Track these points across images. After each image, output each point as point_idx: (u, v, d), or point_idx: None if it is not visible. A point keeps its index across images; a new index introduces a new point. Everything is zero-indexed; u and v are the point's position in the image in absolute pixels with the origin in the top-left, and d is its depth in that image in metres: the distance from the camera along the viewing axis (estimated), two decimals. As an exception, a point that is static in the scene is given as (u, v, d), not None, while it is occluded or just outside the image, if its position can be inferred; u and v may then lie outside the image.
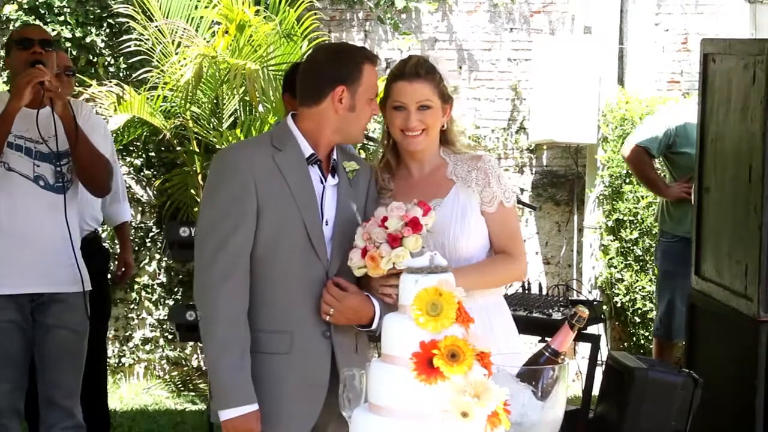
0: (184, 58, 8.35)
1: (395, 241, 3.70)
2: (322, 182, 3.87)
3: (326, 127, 3.86)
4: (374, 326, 3.77)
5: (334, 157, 3.92)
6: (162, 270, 9.40)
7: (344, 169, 3.93)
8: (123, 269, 6.82)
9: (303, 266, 3.79)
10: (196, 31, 8.58)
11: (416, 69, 4.09)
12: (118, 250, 6.97)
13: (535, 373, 2.99)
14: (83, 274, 5.27)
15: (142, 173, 9.32)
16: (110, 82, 8.77)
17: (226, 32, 8.34)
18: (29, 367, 5.31)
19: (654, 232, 8.59)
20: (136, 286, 9.32)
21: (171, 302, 9.29)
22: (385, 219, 3.75)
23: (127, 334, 9.38)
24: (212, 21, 8.67)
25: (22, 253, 5.13)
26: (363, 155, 7.81)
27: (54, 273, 5.16)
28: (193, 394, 8.94)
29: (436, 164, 4.15)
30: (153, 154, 9.32)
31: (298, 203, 3.78)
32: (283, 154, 3.82)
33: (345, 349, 3.85)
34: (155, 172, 9.34)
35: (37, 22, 8.99)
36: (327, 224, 3.84)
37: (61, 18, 9.11)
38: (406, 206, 3.79)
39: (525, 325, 5.65)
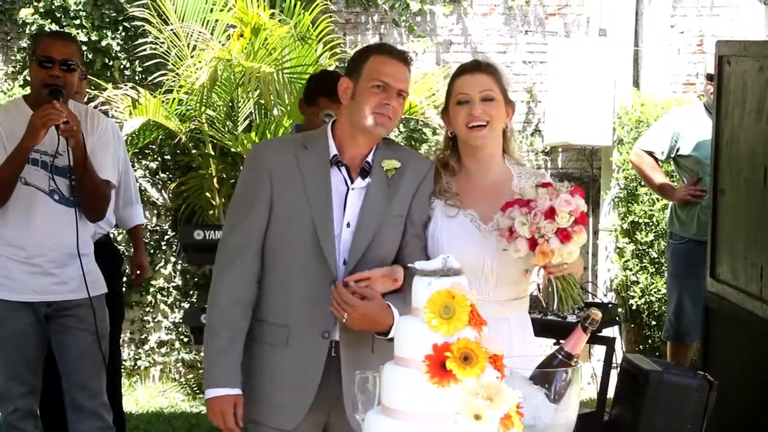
0: (200, 62, 8.37)
1: (566, 237, 3.76)
2: (347, 184, 3.88)
3: (345, 122, 3.94)
4: (391, 335, 3.74)
5: (369, 159, 3.92)
6: (177, 273, 9.42)
7: (382, 168, 3.92)
8: (138, 272, 6.84)
9: (309, 265, 3.82)
10: (211, 34, 8.60)
11: (477, 63, 4.19)
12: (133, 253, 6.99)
13: (548, 376, 2.99)
14: (97, 278, 5.37)
15: (157, 176, 9.34)
16: (126, 85, 8.79)
17: (241, 35, 8.35)
18: (45, 375, 5.39)
19: (670, 235, 8.61)
20: (151, 289, 9.34)
21: (186, 305, 9.30)
22: (552, 211, 3.77)
23: (143, 337, 9.40)
24: (227, 24, 8.68)
25: (37, 263, 5.21)
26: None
27: (68, 282, 5.24)
28: (208, 396, 8.94)
29: (500, 173, 4.16)
30: (168, 157, 9.34)
31: (311, 203, 3.82)
32: (308, 153, 3.89)
33: (354, 351, 3.83)
34: (170, 175, 9.36)
35: (54, 26, 9.02)
36: (349, 226, 3.86)
37: (77, 21, 9.14)
38: (566, 193, 3.84)
39: (540, 328, 5.63)
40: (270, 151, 3.97)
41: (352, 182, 3.89)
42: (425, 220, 4.04)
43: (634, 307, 9.23)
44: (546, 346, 5.38)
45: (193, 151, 8.96)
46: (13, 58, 9.32)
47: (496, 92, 4.08)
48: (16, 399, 5.26)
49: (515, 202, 3.88)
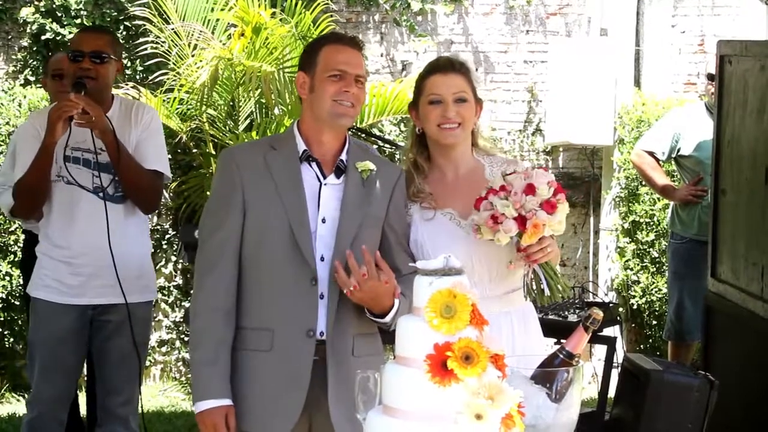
0: (200, 61, 8.36)
1: (552, 207, 3.80)
2: (319, 180, 3.87)
3: (308, 117, 3.91)
4: (387, 320, 3.74)
5: (342, 157, 3.91)
6: (178, 272, 9.42)
7: (356, 168, 3.91)
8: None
9: (287, 264, 3.79)
10: (212, 33, 8.60)
11: (450, 62, 4.14)
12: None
13: (549, 376, 2.99)
14: (149, 282, 5.34)
15: (158, 175, 9.33)
16: (126, 84, 8.78)
17: (242, 34, 8.35)
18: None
19: (671, 234, 8.61)
20: (152, 288, 9.33)
21: (187, 304, 9.29)
22: (531, 187, 3.80)
23: (144, 335, 9.39)
24: (228, 23, 8.68)
25: (84, 263, 5.13)
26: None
27: (115, 285, 5.08)
28: (209, 395, 8.94)
29: (471, 166, 4.16)
30: (169, 156, 9.30)
31: (284, 199, 3.80)
32: (276, 153, 3.88)
33: (336, 351, 3.80)
34: (171, 175, 9.33)
35: (54, 25, 9.02)
36: (324, 222, 3.83)
37: (78, 21, 9.15)
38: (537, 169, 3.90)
39: (541, 327, 5.65)
40: (239, 155, 3.94)
41: (325, 178, 3.88)
42: (406, 228, 4.03)
43: (635, 307, 9.23)
44: (547, 346, 5.39)
45: (194, 150, 8.96)
46: (14, 57, 9.32)
47: (468, 93, 4.08)
48: (43, 403, 5.17)
49: (488, 193, 3.87)
